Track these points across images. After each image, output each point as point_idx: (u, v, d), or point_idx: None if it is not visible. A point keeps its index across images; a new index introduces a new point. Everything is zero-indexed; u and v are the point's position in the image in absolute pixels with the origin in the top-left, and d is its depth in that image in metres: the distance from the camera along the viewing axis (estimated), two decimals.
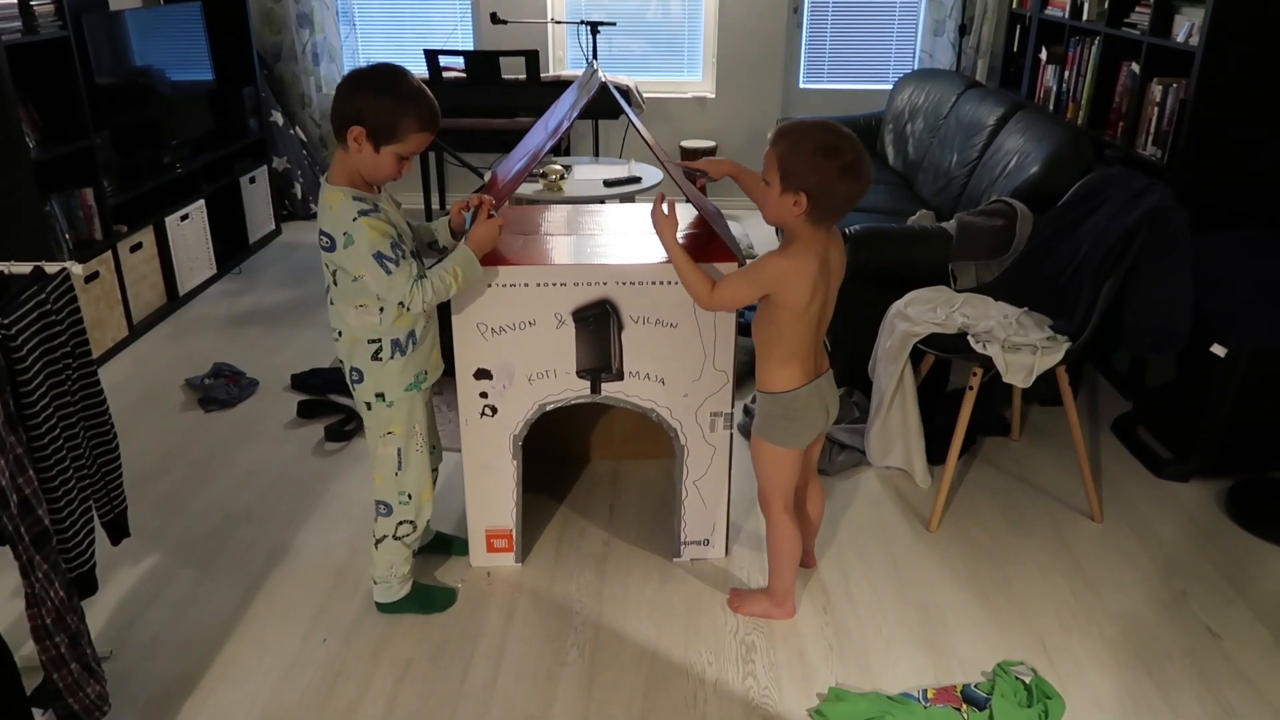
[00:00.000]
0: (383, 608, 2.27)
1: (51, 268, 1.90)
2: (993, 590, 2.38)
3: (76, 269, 1.95)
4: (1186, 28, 3.25)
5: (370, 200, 1.93)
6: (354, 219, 1.89)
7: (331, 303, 2.04)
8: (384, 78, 1.89)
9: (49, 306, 1.83)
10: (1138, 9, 3.63)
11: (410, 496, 2.18)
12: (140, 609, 2.30)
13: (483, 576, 2.42)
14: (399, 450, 2.14)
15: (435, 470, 2.30)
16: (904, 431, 2.82)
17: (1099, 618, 2.29)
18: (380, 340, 2.04)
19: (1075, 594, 2.37)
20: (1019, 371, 2.48)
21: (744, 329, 3.73)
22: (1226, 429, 2.77)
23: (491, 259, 2.17)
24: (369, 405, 2.11)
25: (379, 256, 1.89)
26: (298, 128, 5.52)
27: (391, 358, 2.06)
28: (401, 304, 1.95)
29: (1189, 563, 2.49)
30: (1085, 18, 4.03)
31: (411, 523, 2.20)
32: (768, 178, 1.91)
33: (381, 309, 2.00)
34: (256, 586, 2.38)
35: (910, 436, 2.81)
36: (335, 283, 2.00)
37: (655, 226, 2.08)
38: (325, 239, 1.94)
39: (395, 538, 2.19)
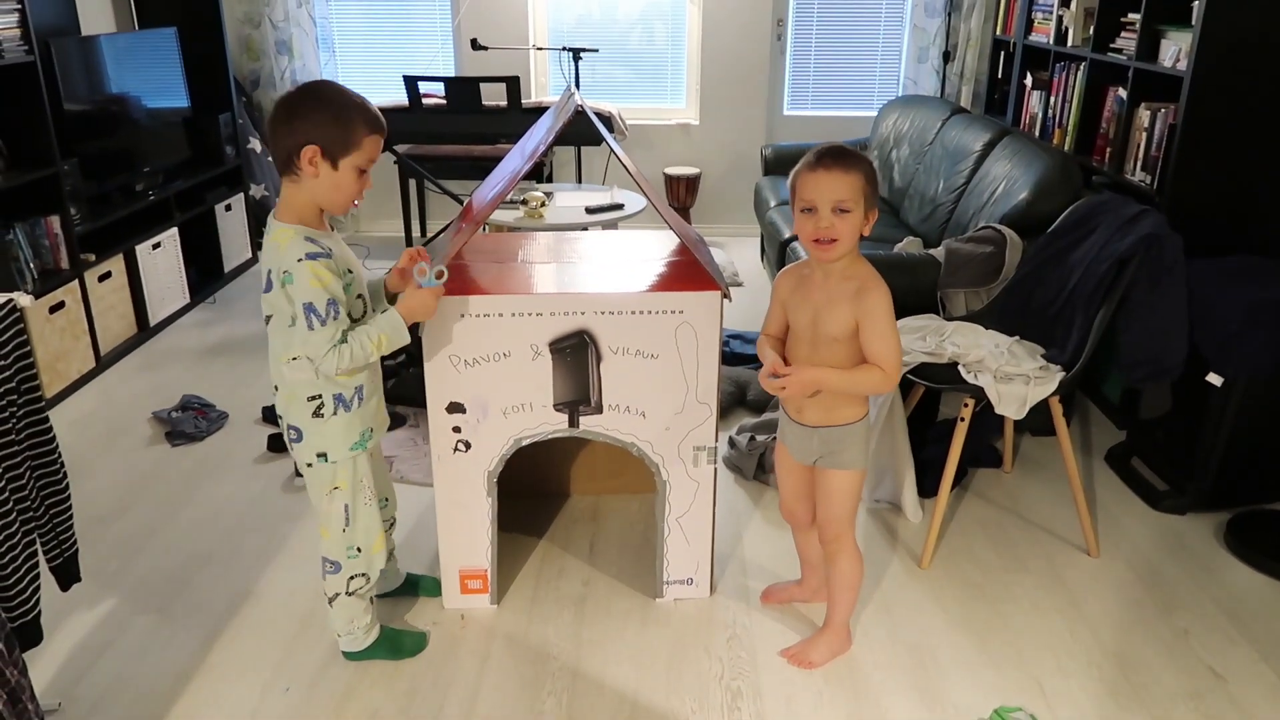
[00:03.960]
0: (350, 656, 2.16)
1: None
2: (988, 630, 2.29)
3: (25, 300, 1.85)
4: (1173, 52, 3.21)
5: (323, 243, 1.81)
6: (299, 259, 1.76)
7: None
8: (319, 91, 1.78)
9: None
10: (1123, 34, 3.60)
11: (360, 550, 2.05)
12: (92, 658, 2.17)
13: (456, 619, 2.31)
14: (346, 506, 2.00)
15: (391, 522, 2.18)
16: (893, 464, 2.73)
17: (1098, 658, 2.20)
18: (321, 395, 1.90)
19: (1073, 633, 2.28)
20: (1012, 402, 2.41)
21: (728, 359, 3.66)
22: (1223, 460, 2.70)
23: (464, 288, 2.09)
24: (309, 465, 1.97)
25: (309, 308, 1.77)
26: None
27: (335, 414, 1.91)
28: (311, 360, 1.82)
29: (1189, 599, 2.41)
30: (1070, 43, 4.01)
31: (364, 575, 2.07)
32: (850, 205, 1.84)
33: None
34: (217, 632, 2.26)
35: (900, 469, 2.73)
36: (270, 331, 1.87)
37: (797, 387, 1.92)
38: (265, 280, 1.82)
39: (349, 594, 2.07)
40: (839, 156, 1.85)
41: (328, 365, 1.81)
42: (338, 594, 2.07)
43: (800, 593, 2.37)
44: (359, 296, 1.91)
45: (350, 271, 1.87)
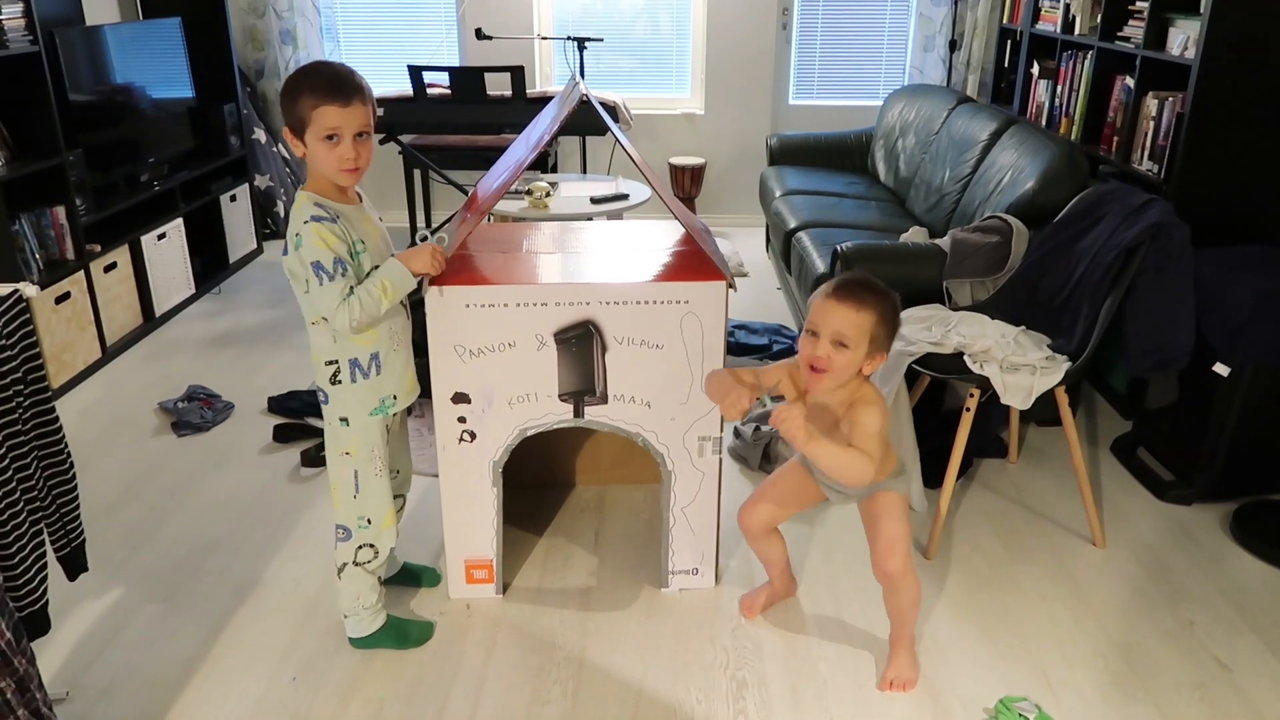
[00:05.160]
0: (356, 642, 2.17)
1: (3, 289, 1.80)
2: (993, 621, 2.29)
3: (30, 290, 1.85)
4: (1181, 40, 3.19)
5: (331, 209, 1.86)
6: (305, 222, 1.83)
7: None
8: (291, 75, 1.84)
9: None
10: (1131, 22, 3.57)
11: (370, 521, 2.08)
12: (99, 647, 2.18)
13: (461, 609, 2.32)
14: (356, 473, 2.04)
15: (402, 498, 2.20)
16: (898, 455, 2.72)
17: (1104, 649, 2.20)
18: (337, 361, 1.95)
19: (1078, 624, 2.28)
20: (1018, 393, 2.40)
21: (733, 349, 3.66)
22: (1230, 450, 2.69)
23: (470, 278, 2.09)
24: (330, 425, 2.04)
25: (317, 265, 1.83)
26: (281, 145, 5.44)
27: (352, 381, 1.96)
28: (325, 319, 1.88)
29: (1195, 589, 2.41)
30: (1078, 32, 3.98)
31: (372, 547, 2.09)
32: (850, 343, 1.81)
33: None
34: (224, 622, 2.27)
35: (905, 460, 2.71)
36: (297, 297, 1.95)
37: (792, 423, 1.77)
38: (285, 243, 1.89)
39: (356, 564, 2.09)
40: (855, 291, 1.82)
41: (340, 321, 1.85)
42: (346, 563, 2.09)
43: (775, 594, 2.35)
44: (374, 268, 1.92)
45: (363, 243, 1.90)
